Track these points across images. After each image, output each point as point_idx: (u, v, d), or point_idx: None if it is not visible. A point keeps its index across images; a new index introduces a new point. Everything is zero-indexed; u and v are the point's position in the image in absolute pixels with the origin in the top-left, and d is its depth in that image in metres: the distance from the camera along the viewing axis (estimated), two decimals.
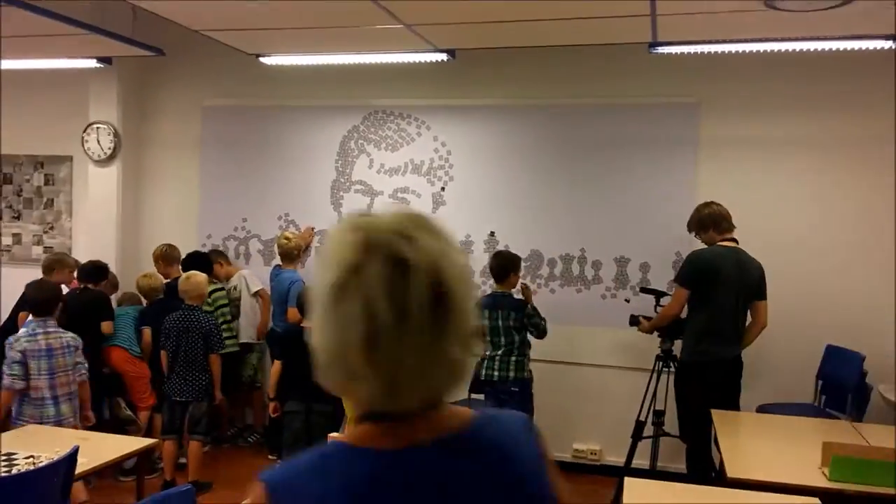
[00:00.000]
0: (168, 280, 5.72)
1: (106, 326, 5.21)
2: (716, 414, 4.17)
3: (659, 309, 4.93)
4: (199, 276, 5.08)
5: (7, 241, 6.94)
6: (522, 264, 5.59)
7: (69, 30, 4.70)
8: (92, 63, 5.61)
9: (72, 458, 2.99)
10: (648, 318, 4.95)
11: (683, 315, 4.66)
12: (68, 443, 3.02)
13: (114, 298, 5.78)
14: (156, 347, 5.25)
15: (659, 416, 4.94)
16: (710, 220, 4.57)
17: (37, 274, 5.32)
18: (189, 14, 4.36)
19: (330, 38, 4.72)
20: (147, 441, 3.72)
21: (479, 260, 5.70)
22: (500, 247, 5.65)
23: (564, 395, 5.60)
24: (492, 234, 5.72)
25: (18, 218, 6.92)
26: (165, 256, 5.79)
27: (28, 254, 6.86)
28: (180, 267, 5.71)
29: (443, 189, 5.84)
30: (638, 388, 5.04)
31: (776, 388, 5.12)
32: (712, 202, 4.65)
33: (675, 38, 4.47)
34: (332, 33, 4.59)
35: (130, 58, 5.84)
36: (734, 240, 4.55)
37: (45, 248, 6.71)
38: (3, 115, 6.88)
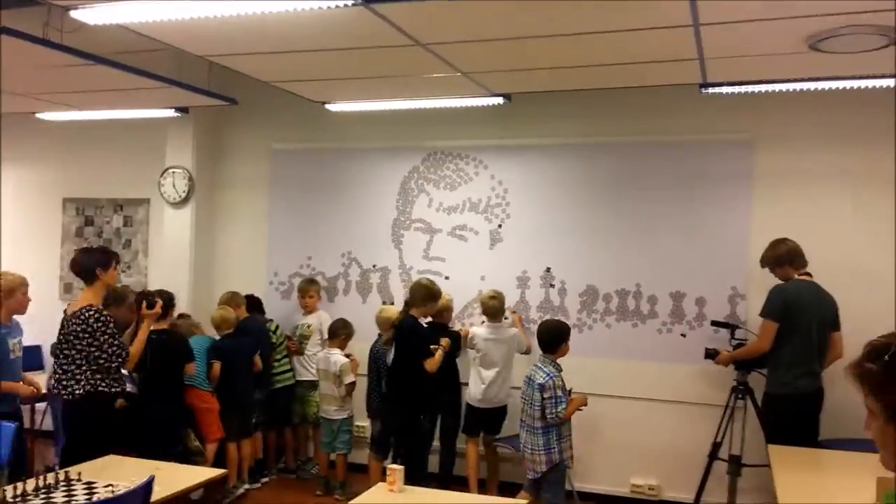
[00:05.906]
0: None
1: (189, 369, 5.28)
2: (772, 449, 4.17)
3: (733, 342, 5.03)
4: (391, 311, 5.56)
5: None
6: (578, 299, 5.72)
7: (151, 83, 5.03)
8: (170, 112, 5.96)
9: (148, 486, 3.20)
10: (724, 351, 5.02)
11: None
12: (144, 473, 3.24)
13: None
14: (223, 380, 5.51)
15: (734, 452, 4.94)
16: (787, 257, 4.73)
17: None
18: (259, 67, 4.66)
19: (390, 86, 4.96)
20: (215, 471, 3.92)
21: (536, 295, 5.85)
22: (557, 282, 5.78)
23: (621, 429, 5.64)
24: (548, 269, 5.84)
25: None
26: (231, 302, 5.92)
27: None
28: (245, 308, 5.95)
29: (500, 226, 5.99)
30: (695, 422, 5.07)
31: (850, 421, 5.04)
32: (786, 239, 4.78)
33: (724, 79, 4.57)
34: (393, 82, 4.84)
35: (206, 106, 6.20)
36: (808, 273, 4.70)
37: (123, 286, 7.06)
38: (87, 161, 7.37)
